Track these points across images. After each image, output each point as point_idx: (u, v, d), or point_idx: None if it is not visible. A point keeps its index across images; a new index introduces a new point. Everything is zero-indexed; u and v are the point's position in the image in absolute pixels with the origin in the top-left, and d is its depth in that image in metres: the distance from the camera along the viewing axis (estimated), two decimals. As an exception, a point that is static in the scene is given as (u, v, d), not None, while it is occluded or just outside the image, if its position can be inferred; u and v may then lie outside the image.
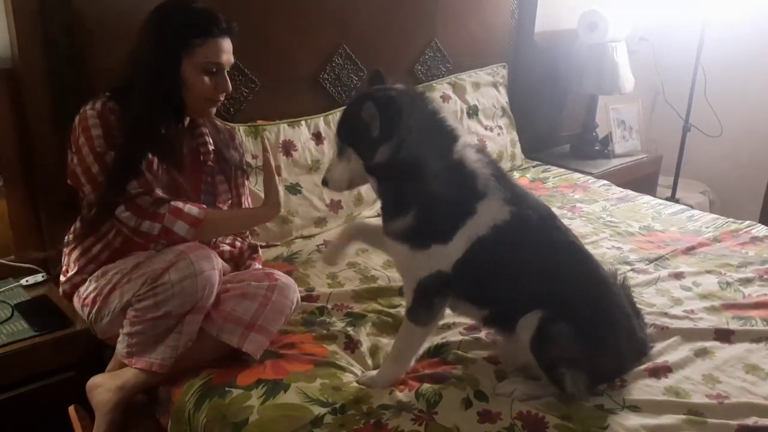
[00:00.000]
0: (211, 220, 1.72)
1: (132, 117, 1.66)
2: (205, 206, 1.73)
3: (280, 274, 1.80)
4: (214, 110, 1.83)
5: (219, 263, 1.68)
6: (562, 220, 2.28)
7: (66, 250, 1.83)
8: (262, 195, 2.22)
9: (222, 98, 1.80)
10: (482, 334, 1.79)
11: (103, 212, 1.67)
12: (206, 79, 1.72)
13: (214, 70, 1.72)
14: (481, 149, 1.62)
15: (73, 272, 1.79)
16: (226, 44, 1.74)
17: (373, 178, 1.55)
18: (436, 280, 1.54)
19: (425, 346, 1.68)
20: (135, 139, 1.66)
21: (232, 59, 1.77)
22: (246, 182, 2.01)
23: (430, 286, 1.55)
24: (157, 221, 1.63)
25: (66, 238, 1.83)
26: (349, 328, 1.81)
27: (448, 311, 1.78)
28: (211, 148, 1.86)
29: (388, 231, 1.57)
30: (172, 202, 1.66)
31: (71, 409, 1.70)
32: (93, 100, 1.69)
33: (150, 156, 1.69)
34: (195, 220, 1.66)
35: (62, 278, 1.83)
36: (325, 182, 1.63)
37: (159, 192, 1.66)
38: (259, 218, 1.94)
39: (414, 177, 1.50)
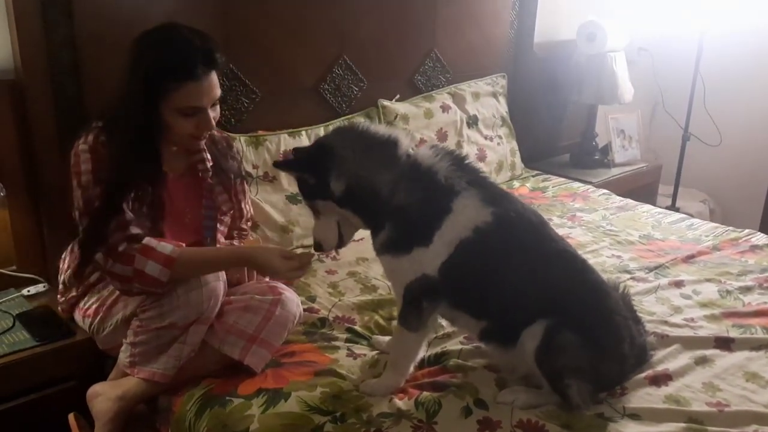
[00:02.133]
0: (187, 259, 1.61)
1: (113, 153, 1.63)
2: (182, 244, 1.65)
3: (283, 288, 1.80)
4: (201, 143, 1.77)
5: (224, 275, 1.69)
6: (562, 229, 2.28)
7: (61, 270, 1.84)
8: (263, 204, 2.25)
9: (207, 135, 1.74)
10: (480, 343, 1.79)
11: (85, 250, 1.64)
12: (185, 120, 1.65)
13: (193, 112, 1.64)
14: (435, 145, 1.63)
15: (70, 294, 1.80)
16: (207, 83, 1.63)
17: (349, 210, 1.57)
18: (422, 284, 1.54)
19: (422, 353, 1.69)
20: (116, 176, 1.61)
21: (216, 94, 1.68)
22: (246, 190, 2.01)
23: (417, 290, 1.55)
24: (128, 264, 1.56)
25: (62, 257, 1.84)
26: (349, 344, 1.82)
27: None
28: (209, 164, 1.83)
29: (375, 248, 1.60)
30: (145, 240, 1.58)
31: (71, 417, 1.70)
32: (87, 131, 1.66)
33: (132, 193, 1.65)
34: (167, 259, 1.57)
35: (60, 298, 1.84)
36: (318, 247, 1.63)
37: (135, 229, 1.60)
38: (241, 259, 1.73)
39: (373, 193, 1.53)
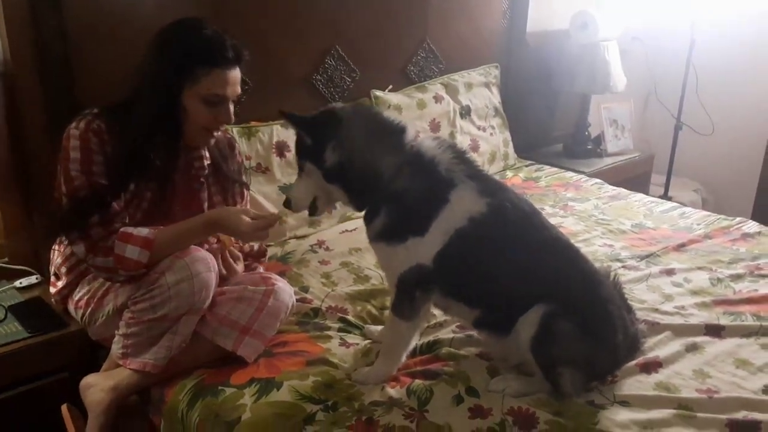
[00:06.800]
0: (163, 237, 1.62)
1: (125, 146, 1.62)
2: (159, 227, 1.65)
3: (276, 278, 1.80)
4: (212, 140, 1.78)
5: (215, 265, 1.68)
6: (555, 219, 2.28)
7: (52, 260, 1.83)
8: (256, 195, 2.25)
9: (222, 128, 1.76)
10: (474, 331, 1.80)
11: (57, 231, 1.66)
12: (207, 109, 1.67)
13: (216, 101, 1.67)
14: (438, 137, 1.64)
15: (61, 285, 1.80)
16: (233, 75, 1.67)
17: (336, 186, 1.57)
18: (416, 274, 1.55)
19: (414, 342, 1.69)
20: (121, 172, 1.62)
21: (238, 90, 1.71)
22: (246, 193, 1.97)
23: (410, 279, 1.56)
24: (109, 255, 1.58)
25: (53, 248, 1.84)
26: (342, 333, 1.82)
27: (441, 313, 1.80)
28: (206, 162, 1.82)
29: (369, 236, 1.60)
30: (122, 229, 1.60)
31: (64, 408, 1.70)
32: (79, 117, 1.65)
33: (133, 186, 1.66)
34: (145, 241, 1.59)
35: (52, 290, 1.84)
36: (287, 203, 1.64)
37: (117, 225, 1.61)
38: (212, 222, 1.68)
39: (372, 176, 1.54)
